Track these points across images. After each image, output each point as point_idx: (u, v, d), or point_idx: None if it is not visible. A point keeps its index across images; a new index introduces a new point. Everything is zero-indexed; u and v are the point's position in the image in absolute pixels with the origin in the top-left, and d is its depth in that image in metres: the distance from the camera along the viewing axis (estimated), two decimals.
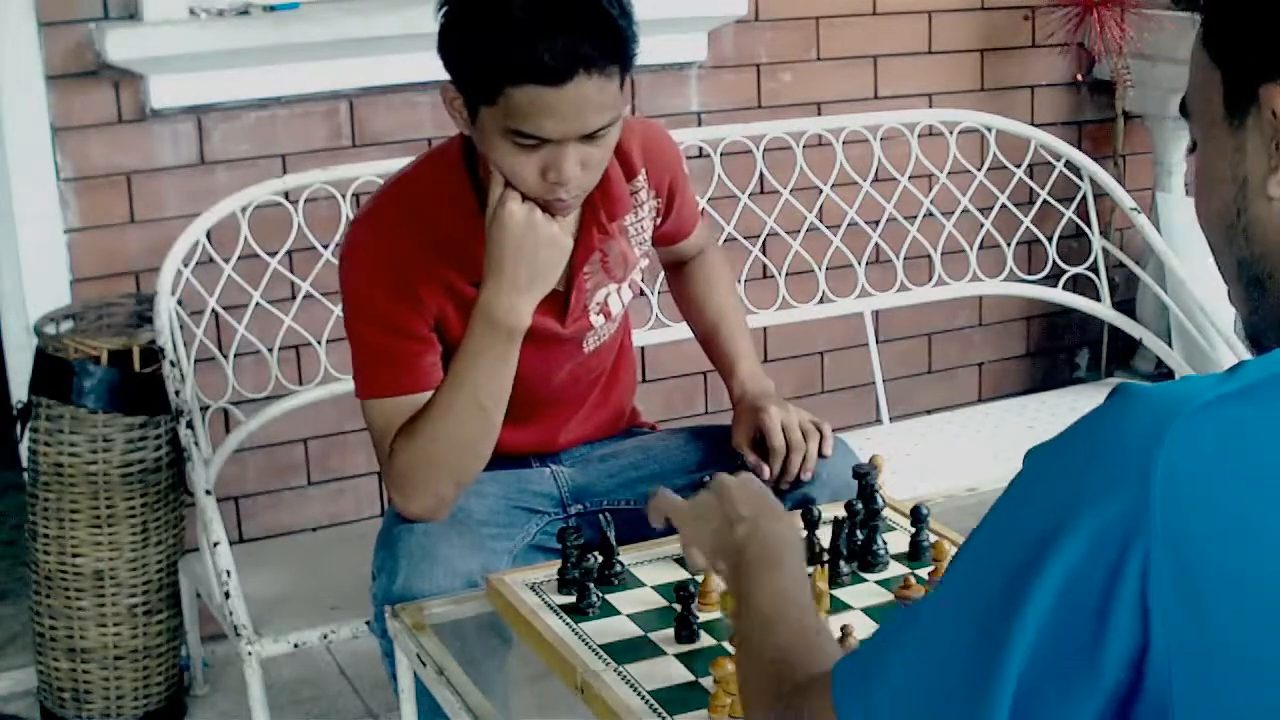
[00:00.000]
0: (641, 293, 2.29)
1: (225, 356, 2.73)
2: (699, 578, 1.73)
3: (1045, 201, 3.29)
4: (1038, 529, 0.95)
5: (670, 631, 1.65)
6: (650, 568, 1.83)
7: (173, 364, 2.57)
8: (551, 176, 1.84)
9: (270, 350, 2.76)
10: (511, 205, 1.87)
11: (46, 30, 2.76)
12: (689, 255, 2.32)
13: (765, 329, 3.29)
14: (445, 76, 1.89)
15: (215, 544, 2.42)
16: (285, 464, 3.11)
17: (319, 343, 2.79)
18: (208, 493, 2.48)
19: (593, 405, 2.23)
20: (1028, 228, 3.32)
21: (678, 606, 1.65)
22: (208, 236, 2.70)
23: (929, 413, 3.47)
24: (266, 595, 2.54)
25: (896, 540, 1.86)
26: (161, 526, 2.70)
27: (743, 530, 1.45)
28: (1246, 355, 1.07)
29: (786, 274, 3.14)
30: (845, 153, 3.15)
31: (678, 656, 1.61)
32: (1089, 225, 3.27)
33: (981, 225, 3.33)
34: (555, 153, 1.83)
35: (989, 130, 3.25)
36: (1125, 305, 3.52)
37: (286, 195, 2.78)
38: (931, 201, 3.27)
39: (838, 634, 1.51)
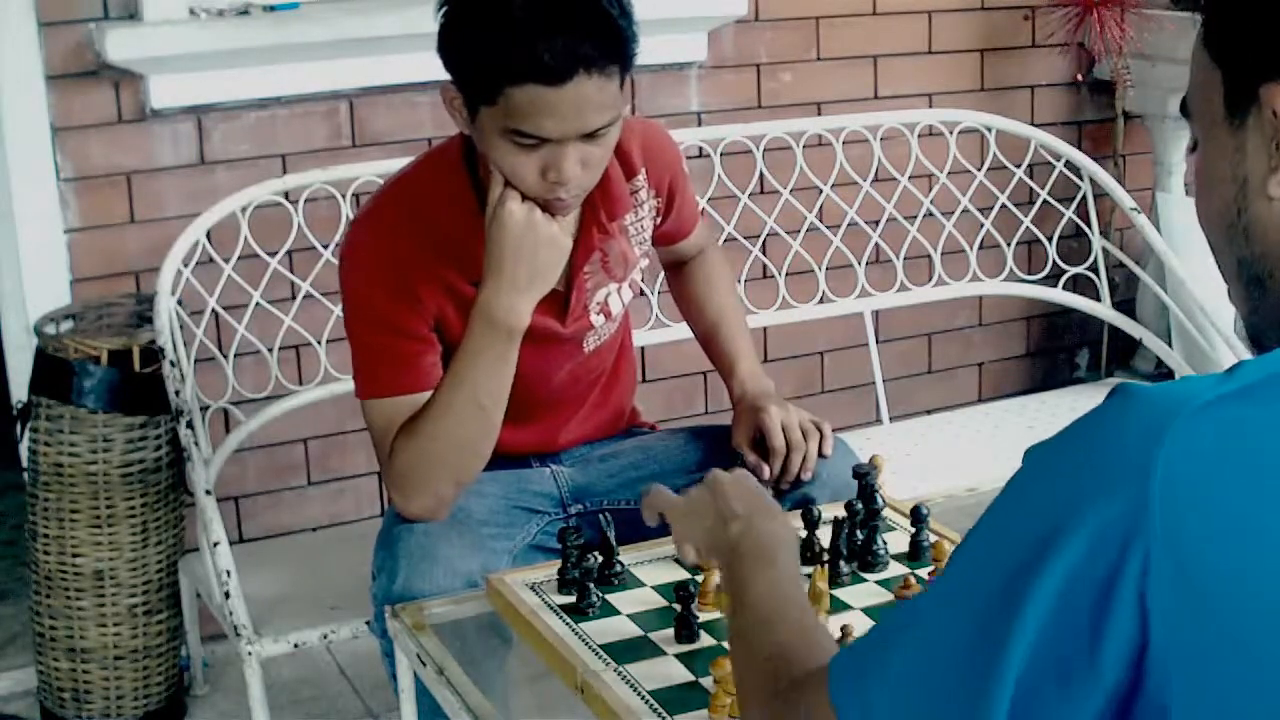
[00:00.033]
0: (641, 293, 2.29)
1: (225, 356, 2.73)
2: (699, 578, 1.73)
3: (1045, 201, 3.29)
4: (1037, 529, 0.95)
5: (670, 631, 1.65)
6: (650, 568, 1.83)
7: (173, 364, 2.57)
8: (551, 176, 1.84)
9: (270, 350, 2.76)
10: (511, 205, 1.87)
11: (46, 30, 2.76)
12: (689, 255, 2.32)
13: (765, 329, 3.29)
14: (445, 76, 1.89)
15: (215, 544, 2.42)
16: (285, 464, 3.11)
17: (319, 343, 2.79)
18: (208, 493, 2.48)
19: (593, 405, 2.23)
20: (1028, 228, 3.32)
21: (678, 606, 1.65)
22: (208, 236, 2.70)
23: (929, 413, 3.47)
24: (266, 595, 2.54)
25: (896, 540, 1.86)
26: (161, 526, 2.70)
27: (736, 528, 1.45)
28: (1247, 355, 1.07)
29: (786, 274, 3.14)
30: (845, 153, 3.15)
31: (678, 656, 1.61)
32: (1089, 225, 3.27)
33: (981, 225, 3.33)
34: (555, 152, 1.83)
35: (989, 130, 3.25)
36: (1125, 305, 3.52)
37: (286, 195, 2.78)
38: (931, 201, 3.27)
39: (837, 634, 1.51)
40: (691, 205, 2.26)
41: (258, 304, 2.76)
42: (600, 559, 1.79)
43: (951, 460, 2.97)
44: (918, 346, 3.67)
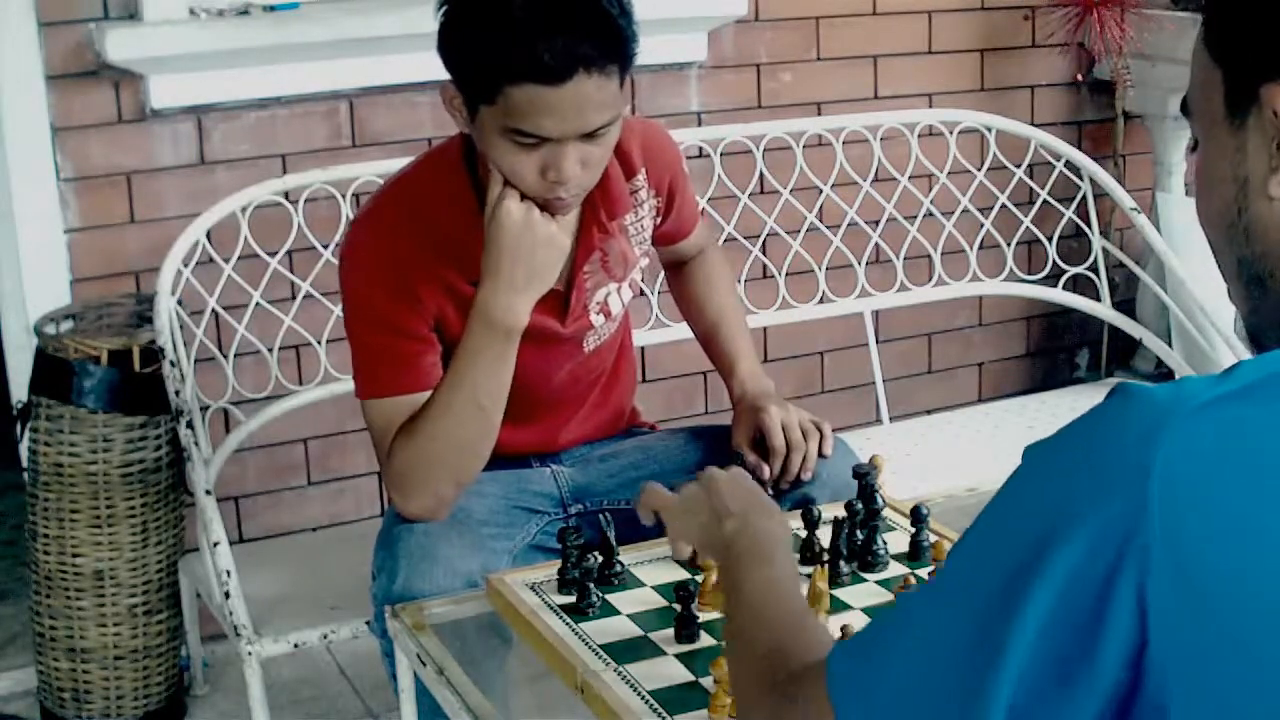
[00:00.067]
0: (641, 292, 2.29)
1: (225, 356, 2.73)
2: (699, 578, 1.73)
3: (1045, 201, 3.29)
4: (1036, 529, 0.95)
5: (670, 631, 1.65)
6: (650, 568, 1.83)
7: (173, 364, 2.57)
8: (551, 175, 1.84)
9: (270, 350, 2.76)
10: (509, 204, 1.87)
11: (46, 30, 2.76)
12: (689, 255, 2.32)
13: (765, 329, 3.29)
14: (445, 76, 1.89)
15: (215, 544, 2.42)
16: (285, 464, 3.11)
17: (319, 343, 2.79)
18: (208, 493, 2.48)
19: (593, 405, 2.23)
20: (1028, 228, 3.32)
21: (678, 606, 1.64)
22: (208, 236, 2.70)
23: (929, 413, 3.47)
24: (266, 595, 2.54)
25: (896, 540, 1.86)
26: (161, 526, 2.70)
27: (731, 525, 1.45)
28: (1247, 355, 1.07)
29: (786, 274, 3.14)
30: (845, 153, 3.15)
31: (678, 656, 1.61)
32: (1089, 225, 3.27)
33: (981, 225, 3.33)
34: (555, 152, 1.83)
35: (989, 130, 3.25)
36: (1125, 305, 3.52)
37: (286, 195, 2.78)
38: (931, 201, 3.27)
39: (837, 634, 1.51)
40: (691, 205, 2.26)
41: (258, 304, 2.76)
42: (600, 559, 1.79)
43: (951, 460, 2.97)
44: (918, 346, 3.67)
